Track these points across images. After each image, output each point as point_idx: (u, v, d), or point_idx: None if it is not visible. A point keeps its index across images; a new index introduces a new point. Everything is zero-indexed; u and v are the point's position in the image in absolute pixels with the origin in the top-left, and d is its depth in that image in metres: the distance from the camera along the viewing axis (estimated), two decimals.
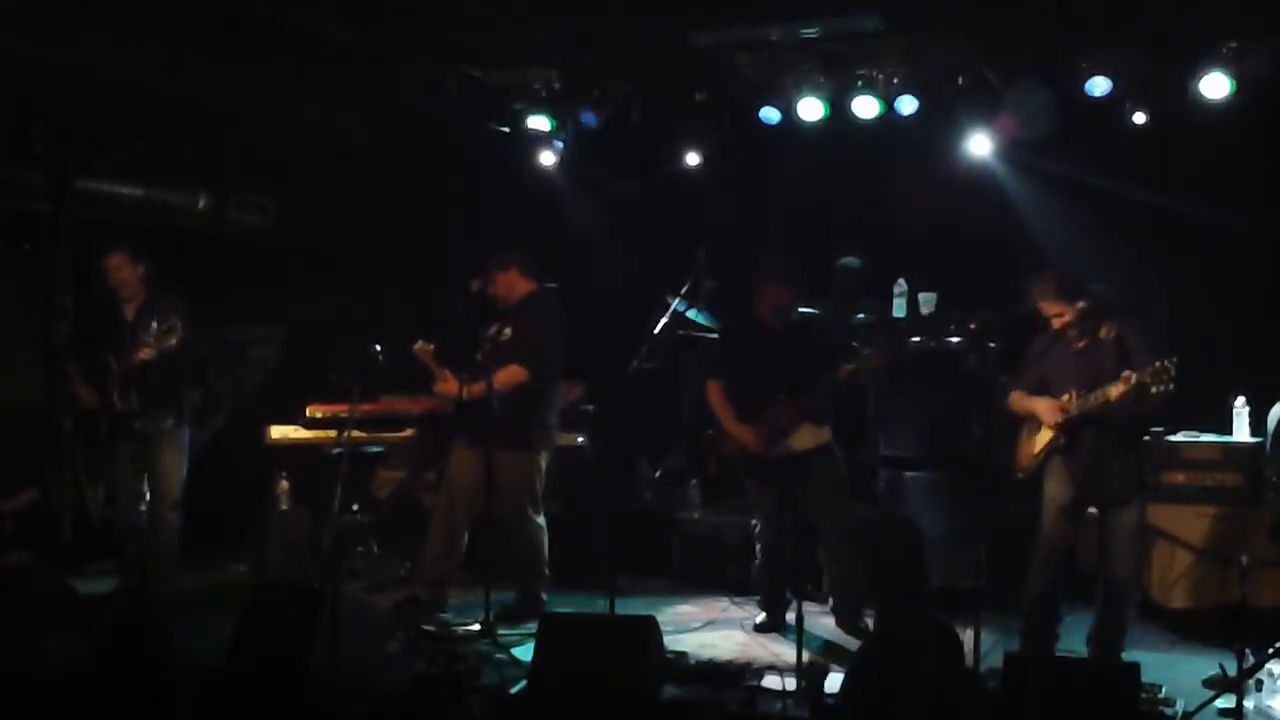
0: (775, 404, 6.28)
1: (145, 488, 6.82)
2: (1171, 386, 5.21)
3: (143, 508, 6.83)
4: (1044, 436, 5.71)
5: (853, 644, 6.01)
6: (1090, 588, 5.90)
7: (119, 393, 6.61)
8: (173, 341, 6.42)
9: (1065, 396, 5.62)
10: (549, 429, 6.71)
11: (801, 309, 6.78)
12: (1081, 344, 5.68)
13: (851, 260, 8.16)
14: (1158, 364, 5.22)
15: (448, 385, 6.54)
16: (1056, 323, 5.67)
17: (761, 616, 6.64)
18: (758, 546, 6.70)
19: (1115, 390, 5.36)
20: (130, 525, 6.86)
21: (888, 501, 7.15)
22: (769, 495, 6.49)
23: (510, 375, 6.44)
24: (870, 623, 6.06)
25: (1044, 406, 5.69)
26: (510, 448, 6.47)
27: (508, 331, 6.61)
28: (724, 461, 6.57)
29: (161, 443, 6.76)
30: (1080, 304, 5.58)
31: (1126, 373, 5.33)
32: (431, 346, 6.56)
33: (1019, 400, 5.84)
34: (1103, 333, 5.64)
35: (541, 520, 6.72)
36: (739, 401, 6.42)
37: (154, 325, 6.59)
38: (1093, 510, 5.82)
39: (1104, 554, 5.68)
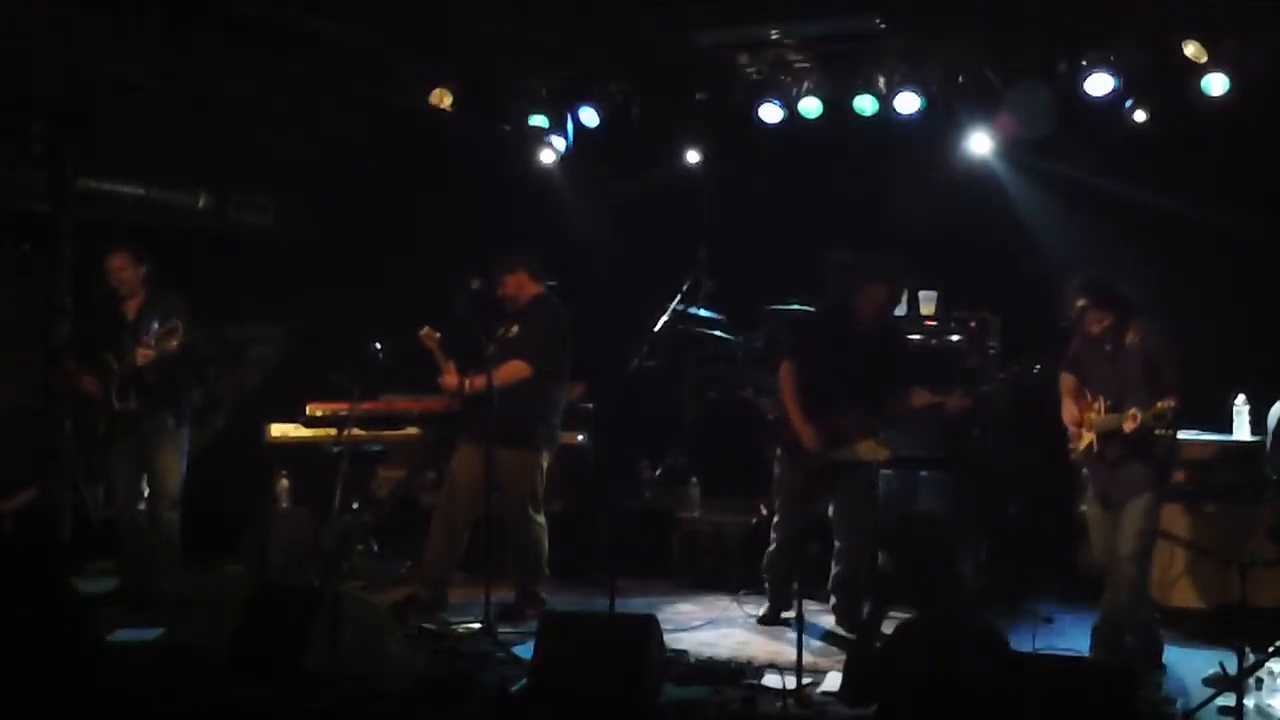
0: (846, 411, 6.25)
1: (144, 487, 6.82)
2: (1170, 431, 5.41)
3: (142, 507, 6.83)
4: (1087, 438, 5.75)
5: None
6: (1090, 587, 5.90)
7: (118, 392, 6.61)
8: (173, 344, 6.43)
9: (1095, 405, 5.70)
10: (552, 428, 6.73)
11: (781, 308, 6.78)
12: (1109, 348, 5.71)
13: (841, 254, 8.18)
14: (1159, 405, 5.35)
15: (450, 378, 6.58)
16: (1093, 329, 5.71)
17: (765, 608, 6.67)
18: (773, 535, 6.65)
19: (1127, 425, 5.46)
20: (130, 525, 6.86)
21: (888, 502, 7.13)
22: (804, 489, 6.44)
23: (512, 370, 6.47)
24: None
25: (1086, 418, 5.77)
26: (512, 446, 6.49)
27: (515, 330, 6.66)
28: (787, 446, 6.46)
29: (161, 442, 6.76)
30: (1107, 315, 5.63)
31: (1134, 410, 5.43)
32: (438, 334, 6.59)
33: (1067, 387, 5.89)
34: (1128, 339, 5.66)
35: (542, 519, 6.73)
36: (809, 391, 6.33)
37: (154, 326, 6.59)
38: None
39: (1112, 540, 5.69)
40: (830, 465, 6.29)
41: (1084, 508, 5.94)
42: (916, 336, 7.21)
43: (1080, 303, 5.67)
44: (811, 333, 6.70)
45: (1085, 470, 5.88)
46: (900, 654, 4.44)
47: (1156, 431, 5.40)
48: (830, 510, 6.50)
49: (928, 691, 4.24)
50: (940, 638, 4.34)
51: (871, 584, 6.27)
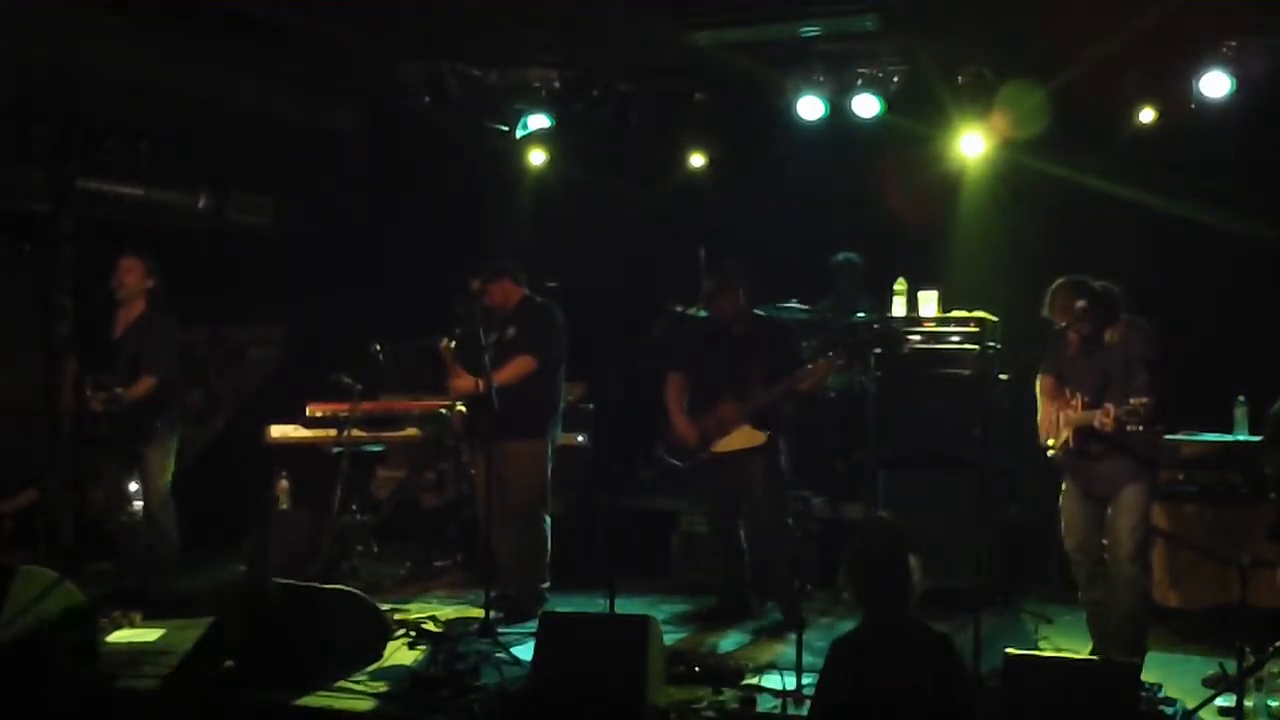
0: (721, 404, 6.49)
1: (136, 488, 6.83)
2: (1140, 428, 5.32)
3: (135, 507, 6.84)
4: (1064, 434, 5.73)
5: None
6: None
7: (107, 400, 6.63)
8: (139, 395, 6.60)
9: (1074, 401, 5.68)
10: (557, 416, 6.87)
11: (780, 308, 6.84)
12: (1088, 346, 5.70)
13: (849, 255, 8.18)
14: (1133, 402, 5.31)
15: (464, 382, 6.65)
16: (1070, 332, 5.71)
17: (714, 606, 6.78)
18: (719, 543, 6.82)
19: (1098, 419, 5.46)
20: (124, 527, 6.87)
21: (887, 502, 7.13)
22: (706, 493, 6.80)
23: (520, 365, 6.62)
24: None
25: (1064, 415, 5.74)
26: (521, 437, 6.59)
27: (511, 331, 6.77)
28: (669, 450, 6.74)
29: (151, 443, 6.77)
30: (1083, 325, 5.62)
31: (1108, 405, 5.41)
32: (454, 344, 6.70)
33: (1044, 388, 5.89)
34: (1108, 337, 5.66)
35: (548, 517, 6.79)
36: (693, 397, 6.66)
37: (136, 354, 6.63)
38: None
39: (1106, 535, 5.67)
40: (714, 458, 6.51)
41: (1060, 501, 5.91)
42: (916, 336, 7.19)
43: (1061, 317, 5.68)
44: (687, 341, 6.98)
45: (1065, 467, 5.83)
46: (840, 662, 4.42)
47: (1128, 428, 5.34)
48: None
49: (866, 701, 4.22)
50: (883, 645, 4.32)
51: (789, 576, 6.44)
